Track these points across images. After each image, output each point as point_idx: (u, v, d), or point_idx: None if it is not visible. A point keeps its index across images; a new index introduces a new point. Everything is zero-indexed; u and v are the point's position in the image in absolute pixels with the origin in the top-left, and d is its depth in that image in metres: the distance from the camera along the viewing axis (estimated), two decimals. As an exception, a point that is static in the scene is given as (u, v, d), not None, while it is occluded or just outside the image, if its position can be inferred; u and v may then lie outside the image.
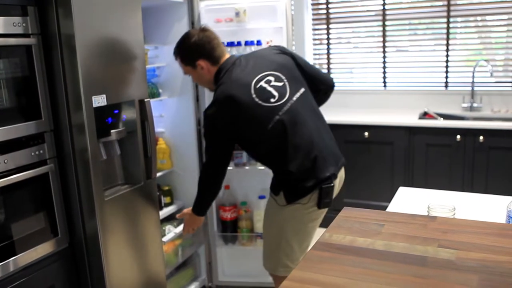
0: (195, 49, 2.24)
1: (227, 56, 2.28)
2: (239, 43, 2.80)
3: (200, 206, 2.42)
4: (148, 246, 2.28)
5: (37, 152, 1.87)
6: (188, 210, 2.50)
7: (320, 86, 2.40)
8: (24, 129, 1.81)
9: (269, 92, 2.14)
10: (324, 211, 2.28)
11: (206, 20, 2.77)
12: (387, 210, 1.76)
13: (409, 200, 1.94)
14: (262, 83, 2.15)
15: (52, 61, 1.87)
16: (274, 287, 2.49)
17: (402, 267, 0.98)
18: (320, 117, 2.31)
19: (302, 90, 2.23)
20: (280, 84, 2.18)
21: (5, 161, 1.75)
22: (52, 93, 1.90)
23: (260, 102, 2.12)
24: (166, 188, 2.89)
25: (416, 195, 2.00)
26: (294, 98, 2.17)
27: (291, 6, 2.86)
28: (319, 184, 2.15)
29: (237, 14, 2.72)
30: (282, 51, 2.32)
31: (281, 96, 2.15)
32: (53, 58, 1.86)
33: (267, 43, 2.77)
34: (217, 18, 2.75)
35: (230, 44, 2.78)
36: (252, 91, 2.13)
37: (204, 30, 2.28)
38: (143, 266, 2.26)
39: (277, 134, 2.12)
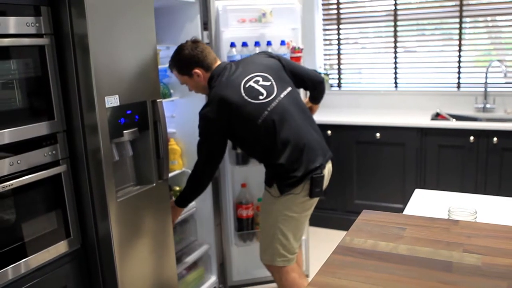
0: (190, 59, 2.39)
1: (218, 62, 2.44)
2: (257, 43, 2.83)
3: (185, 200, 2.50)
4: (160, 247, 2.26)
5: (49, 153, 1.86)
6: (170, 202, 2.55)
7: (307, 83, 2.58)
8: (37, 130, 1.80)
9: (257, 90, 2.30)
10: (315, 201, 2.42)
11: (229, 20, 2.78)
12: (405, 212, 1.73)
13: (425, 202, 1.90)
14: (251, 83, 2.32)
15: (65, 61, 1.86)
16: (274, 280, 2.56)
17: (427, 272, 0.95)
18: (308, 114, 2.45)
19: (289, 89, 2.39)
20: (268, 83, 2.34)
21: (18, 161, 1.74)
22: (65, 94, 1.89)
23: (249, 99, 2.27)
24: (177, 189, 2.86)
25: (432, 198, 1.96)
26: (282, 96, 2.33)
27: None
28: (309, 174, 2.28)
29: (264, 15, 2.78)
30: (269, 55, 2.50)
31: (269, 94, 2.31)
32: (66, 58, 1.85)
33: (287, 44, 2.82)
34: (242, 18, 2.80)
35: (257, 44, 2.83)
36: (242, 90, 2.29)
37: (195, 42, 2.43)
38: (155, 266, 2.24)
39: (267, 128, 2.27)
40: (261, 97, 2.28)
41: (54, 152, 1.87)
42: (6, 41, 1.67)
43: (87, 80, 1.84)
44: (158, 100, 2.14)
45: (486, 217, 1.57)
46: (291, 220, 2.36)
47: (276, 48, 2.82)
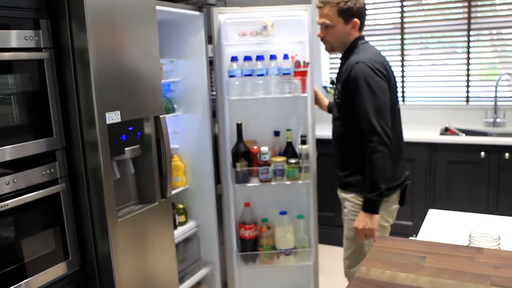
0: (359, 8, 2.19)
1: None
2: (260, 57, 2.71)
3: (374, 197, 2.06)
4: (162, 267, 2.18)
5: (48, 171, 1.79)
6: (360, 217, 2.15)
7: None
8: (35, 147, 1.74)
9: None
10: None
11: (229, 33, 2.69)
12: (420, 236, 1.64)
13: (440, 224, 1.81)
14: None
15: (64, 76, 1.79)
16: None
17: (453, 309, 0.87)
18: None
19: None
20: None
21: (15, 180, 1.67)
22: (64, 109, 1.82)
23: (394, 81, 2.18)
24: (181, 206, 2.79)
25: (447, 219, 1.87)
26: None
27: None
28: (405, 181, 2.24)
29: (265, 27, 2.67)
30: None
31: None
32: (65, 73, 1.79)
33: (292, 57, 2.71)
34: (243, 31, 2.69)
35: (260, 58, 2.71)
36: (391, 70, 2.18)
37: None
38: (156, 289, 2.16)
39: (395, 121, 2.16)
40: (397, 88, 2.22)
41: (52, 170, 1.80)
42: (3, 55, 1.61)
43: (87, 96, 1.77)
44: (161, 116, 2.07)
45: (508, 242, 1.49)
46: (383, 231, 2.22)
47: (280, 63, 2.72)
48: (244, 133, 2.77)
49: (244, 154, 2.75)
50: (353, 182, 2.20)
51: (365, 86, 2.02)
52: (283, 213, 2.89)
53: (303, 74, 2.71)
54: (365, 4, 2.22)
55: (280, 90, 2.72)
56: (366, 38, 2.29)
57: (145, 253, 2.07)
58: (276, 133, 2.87)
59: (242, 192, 2.94)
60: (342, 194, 2.29)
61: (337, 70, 2.24)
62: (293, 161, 2.75)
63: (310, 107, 2.77)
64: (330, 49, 2.31)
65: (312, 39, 2.71)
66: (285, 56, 2.71)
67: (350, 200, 2.23)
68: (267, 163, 2.75)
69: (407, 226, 3.58)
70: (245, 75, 2.69)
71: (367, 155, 2.04)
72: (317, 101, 2.79)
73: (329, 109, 2.73)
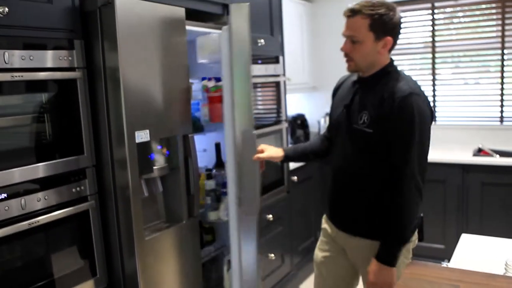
0: (394, 24, 1.83)
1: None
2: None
3: (397, 247, 1.71)
4: (188, 287, 2.16)
5: (78, 188, 1.81)
6: (374, 267, 1.74)
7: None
8: (67, 165, 1.77)
9: None
10: None
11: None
12: (452, 261, 1.59)
13: (474, 250, 1.75)
14: None
15: (96, 95, 1.83)
16: None
17: None
18: None
19: None
20: None
21: (46, 197, 1.70)
22: (95, 128, 1.85)
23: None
24: (208, 225, 2.78)
25: (481, 244, 1.81)
26: None
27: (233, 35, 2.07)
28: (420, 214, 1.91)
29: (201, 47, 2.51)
30: None
31: None
32: (97, 92, 1.82)
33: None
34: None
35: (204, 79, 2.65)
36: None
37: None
38: (182, 309, 2.14)
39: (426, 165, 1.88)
40: None
41: (82, 187, 1.83)
42: (39, 75, 1.65)
43: (117, 114, 1.80)
44: (189, 135, 2.09)
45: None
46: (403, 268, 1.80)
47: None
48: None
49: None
50: (370, 226, 1.83)
51: (417, 125, 1.73)
52: None
53: (211, 100, 2.58)
54: (401, 20, 1.87)
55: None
56: (397, 57, 2.05)
57: (172, 271, 2.06)
58: None
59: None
60: (353, 240, 1.89)
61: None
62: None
63: (229, 139, 2.13)
64: (354, 69, 1.92)
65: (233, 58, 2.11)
66: (203, 78, 2.56)
67: (364, 247, 1.84)
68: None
69: (439, 250, 3.48)
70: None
71: (401, 201, 1.74)
72: (270, 156, 2.17)
73: (288, 157, 2.23)
